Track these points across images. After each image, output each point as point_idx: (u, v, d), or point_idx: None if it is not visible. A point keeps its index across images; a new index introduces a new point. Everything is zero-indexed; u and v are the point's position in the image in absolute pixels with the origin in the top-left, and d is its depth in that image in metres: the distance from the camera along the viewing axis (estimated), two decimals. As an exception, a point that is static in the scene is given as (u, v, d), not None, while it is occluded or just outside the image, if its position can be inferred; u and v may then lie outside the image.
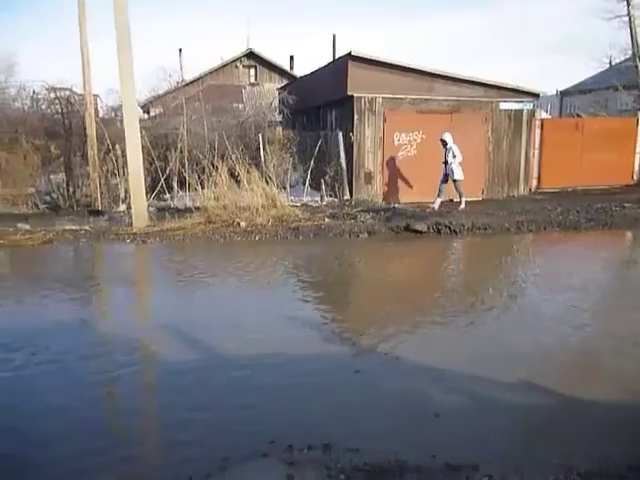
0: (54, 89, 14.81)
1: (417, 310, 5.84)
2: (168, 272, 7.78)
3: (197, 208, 10.98)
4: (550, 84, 54.83)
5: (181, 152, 13.34)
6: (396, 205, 11.91)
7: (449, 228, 9.92)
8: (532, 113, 14.56)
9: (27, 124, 13.79)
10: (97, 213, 12.04)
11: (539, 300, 6.18)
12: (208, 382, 4.10)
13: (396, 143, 13.39)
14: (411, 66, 13.18)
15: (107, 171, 13.23)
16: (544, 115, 16.55)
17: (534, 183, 15.14)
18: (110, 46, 10.02)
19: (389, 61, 13.07)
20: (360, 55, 12.81)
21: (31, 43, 55.67)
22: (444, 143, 12.15)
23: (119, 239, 9.48)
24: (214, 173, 11.40)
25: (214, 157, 12.55)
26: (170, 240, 9.38)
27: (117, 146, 13.05)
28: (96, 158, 12.75)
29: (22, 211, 12.07)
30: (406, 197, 13.07)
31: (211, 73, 27.34)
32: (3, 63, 24.29)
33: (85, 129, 12.89)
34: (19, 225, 10.26)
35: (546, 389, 3.94)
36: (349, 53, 12.85)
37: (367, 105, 13.12)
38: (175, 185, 13.56)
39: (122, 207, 12.37)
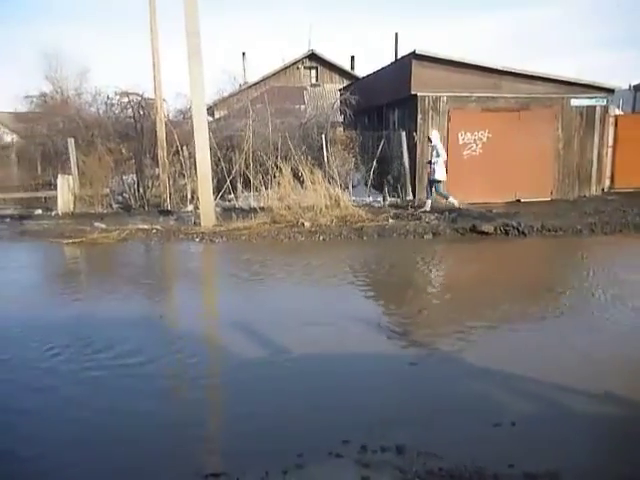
0: (126, 94, 15.50)
1: (485, 312, 5.72)
2: (236, 270, 7.95)
3: (262, 208, 11.18)
4: (623, 78, 52.18)
5: (245, 153, 13.63)
6: (461, 206, 11.68)
7: (517, 229, 9.65)
8: (605, 109, 13.91)
9: (102, 128, 14.50)
10: (166, 213, 12.49)
11: (615, 306, 5.90)
12: (278, 380, 4.18)
13: (461, 142, 13.14)
14: (477, 63, 12.91)
15: (175, 172, 13.70)
16: (616, 111, 15.76)
17: (607, 183, 14.46)
18: (177, 51, 10.42)
19: (454, 59, 12.84)
20: (424, 53, 12.66)
21: (103, 50, 58.37)
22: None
23: (188, 238, 9.80)
24: (277, 174, 11.59)
25: (277, 158, 12.75)
26: (237, 239, 9.61)
27: (185, 148, 13.49)
28: (165, 160, 13.23)
29: (98, 211, 12.71)
30: (471, 197, 12.78)
31: (273, 75, 27.76)
32: (78, 70, 25.59)
33: (155, 132, 13.41)
34: (96, 224, 10.83)
35: (627, 400, 3.77)
36: (413, 52, 12.71)
37: (431, 104, 12.95)
38: (239, 186, 13.87)
39: (189, 207, 12.77)
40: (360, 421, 3.54)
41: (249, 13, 66.06)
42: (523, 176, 13.08)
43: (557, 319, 5.55)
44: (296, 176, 11.73)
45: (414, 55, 12.69)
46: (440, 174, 11.65)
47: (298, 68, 28.94)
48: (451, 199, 11.79)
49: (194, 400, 3.95)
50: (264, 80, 26.43)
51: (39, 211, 13.13)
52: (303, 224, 10.12)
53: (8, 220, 12.17)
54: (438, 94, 12.90)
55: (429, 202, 11.88)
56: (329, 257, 8.57)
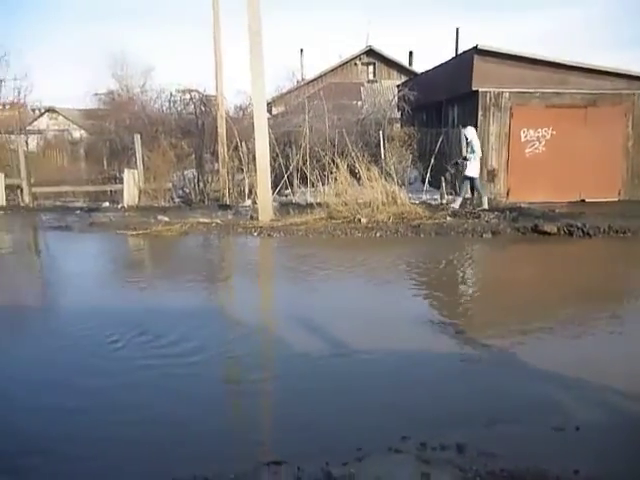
0: (188, 91, 15.95)
1: (547, 315, 5.57)
2: (294, 265, 8.06)
3: (318, 204, 11.27)
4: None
5: (302, 149, 13.75)
6: (522, 205, 11.37)
7: (582, 230, 9.30)
8: (680, 105, 13.17)
9: (165, 124, 15.01)
10: (225, 207, 12.79)
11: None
12: (335, 374, 4.22)
13: (523, 139, 12.79)
14: (542, 58, 12.49)
15: (234, 167, 14.00)
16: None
17: (681, 183, 13.70)
18: (238, 47, 10.63)
19: (518, 53, 12.49)
20: (487, 48, 12.38)
21: (167, 48, 60.18)
22: (465, 137, 11.50)
23: (246, 232, 10.02)
24: (334, 170, 11.64)
25: (334, 154, 12.80)
26: (293, 234, 9.74)
27: (244, 143, 13.76)
28: (225, 155, 13.54)
29: (161, 204, 13.17)
30: (533, 196, 12.42)
31: (330, 72, 27.81)
32: (142, 68, 26.49)
33: (216, 128, 13.75)
34: (159, 217, 11.24)
35: None
36: (475, 46, 12.45)
37: (492, 100, 12.65)
38: (296, 181, 14.03)
39: (248, 202, 13.02)
40: (419, 418, 3.55)
41: (308, 9, 66.32)
42: (588, 175, 12.58)
43: (624, 324, 5.34)
44: (353, 172, 11.74)
45: (476, 50, 12.43)
46: (473, 170, 11.42)
47: (355, 64, 28.86)
48: (484, 199, 11.54)
49: (254, 391, 4.05)
50: (321, 77, 26.54)
51: (106, 204, 13.74)
52: (360, 220, 10.14)
53: (78, 212, 12.81)
54: (500, 90, 12.59)
55: (459, 200, 11.65)
56: (386, 254, 8.55)
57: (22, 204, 13.83)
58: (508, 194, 12.85)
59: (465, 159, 11.53)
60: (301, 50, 31.59)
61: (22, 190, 14.00)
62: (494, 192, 12.74)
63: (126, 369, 4.36)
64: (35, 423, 3.54)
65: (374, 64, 29.41)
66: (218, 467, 2.97)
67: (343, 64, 28.71)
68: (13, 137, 16.02)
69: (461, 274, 7.54)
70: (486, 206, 11.38)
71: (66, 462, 3.10)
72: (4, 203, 13.76)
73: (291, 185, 14.10)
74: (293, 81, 26.13)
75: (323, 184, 12.64)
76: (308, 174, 13.13)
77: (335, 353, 4.60)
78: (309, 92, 20.13)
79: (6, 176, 14.00)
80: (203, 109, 15.10)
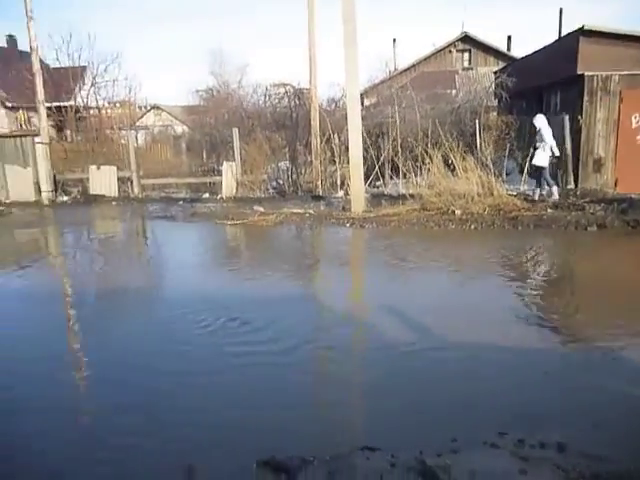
0: (283, 85, 16.34)
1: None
2: (386, 256, 8.07)
3: (410, 195, 11.16)
4: None
5: (394, 140, 13.66)
6: (632, 196, 10.60)
7: (702, 224, 8.54)
8: None
9: (261, 118, 15.50)
10: (318, 198, 13.02)
11: None
12: (429, 368, 4.22)
13: (634, 126, 11.88)
14: (658, 37, 11.50)
15: (326, 159, 14.19)
16: None
17: None
18: (331, 40, 10.74)
19: (629, 33, 11.58)
20: (594, 29, 11.58)
21: (262, 44, 61.81)
22: (533, 125, 11.15)
23: (339, 223, 10.15)
24: (427, 160, 11.47)
25: (427, 144, 12.60)
26: (386, 225, 9.74)
27: (336, 135, 13.90)
28: (318, 147, 13.76)
29: (257, 195, 13.66)
30: (645, 186, 11.52)
31: (423, 60, 27.29)
32: (239, 64, 27.37)
33: (309, 120, 14.00)
34: (255, 207, 11.68)
35: None
36: (581, 27, 11.69)
37: (600, 84, 11.85)
38: (387, 172, 13.98)
39: (340, 193, 13.17)
40: (517, 415, 3.47)
41: (400, -2, 65.29)
42: None
43: None
44: (446, 163, 11.51)
45: (581, 31, 11.67)
46: (541, 160, 10.99)
47: (450, 52, 28.11)
48: (554, 189, 11.08)
49: (344, 379, 4.14)
50: (414, 66, 26.14)
51: (206, 195, 14.46)
52: (454, 212, 9.94)
53: (181, 203, 13.60)
54: (608, 73, 11.75)
55: (555, 189, 11.12)
56: (480, 246, 8.34)
57: (132, 195, 14.89)
58: (616, 184, 12.01)
59: (535, 148, 11.12)
60: (394, 40, 31.27)
61: (132, 182, 15.06)
62: (600, 182, 11.96)
63: (219, 354, 4.62)
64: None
65: (469, 51, 28.47)
66: (313, 450, 3.09)
67: (437, 52, 28.06)
68: (124, 133, 17.24)
69: (562, 270, 7.18)
70: (557, 197, 10.90)
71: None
72: (116, 194, 14.88)
73: (383, 176, 14.07)
74: (386, 71, 25.93)
75: (415, 175, 12.50)
76: (400, 165, 13.04)
77: (429, 347, 4.57)
78: (402, 82, 19.88)
79: (118, 169, 15.11)
80: (297, 102, 15.41)
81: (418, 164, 12.44)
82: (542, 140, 10.98)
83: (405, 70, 25.26)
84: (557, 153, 11.17)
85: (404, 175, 12.81)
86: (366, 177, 13.21)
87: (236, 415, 3.57)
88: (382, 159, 13.56)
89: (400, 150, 13.35)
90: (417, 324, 5.03)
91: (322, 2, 15.27)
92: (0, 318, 5.95)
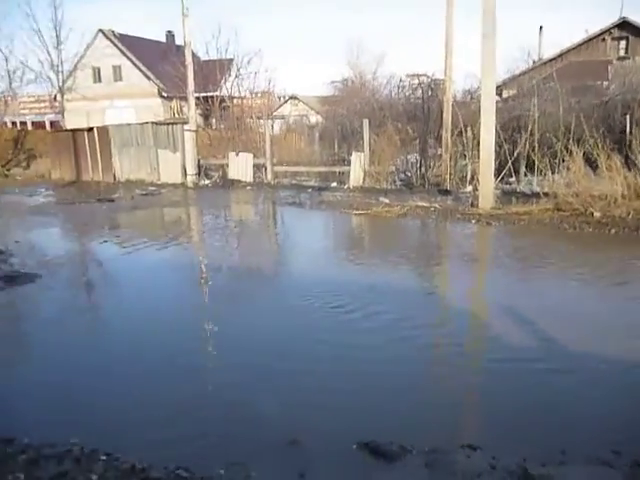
0: (416, 75, 16.18)
1: None
2: (510, 256, 7.76)
3: (545, 194, 10.54)
4: None
5: (531, 135, 12.94)
6: None
7: None
8: None
9: (393, 109, 15.50)
10: (445, 192, 12.77)
11: None
12: (543, 377, 4.04)
13: None
14: None
15: (457, 153, 13.84)
16: None
17: None
18: (468, 31, 10.43)
19: None
20: None
21: (399, 35, 61.32)
22: None
23: (464, 219, 9.91)
24: (567, 158, 10.74)
25: (568, 140, 11.78)
26: (514, 224, 9.33)
27: (469, 129, 13.49)
28: (449, 140, 13.47)
29: (383, 186, 13.74)
30: None
31: (573, 49, 25.31)
32: (375, 55, 27.45)
33: (441, 113, 13.73)
34: (380, 198, 11.79)
35: None
36: None
37: None
38: (522, 169, 13.29)
39: (468, 188, 12.80)
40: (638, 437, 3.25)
41: (552, -19, 60.86)
42: None
43: None
44: (589, 161, 10.69)
45: None
46: None
47: (604, 40, 25.72)
48: None
49: (458, 375, 4.12)
50: (561, 55, 24.36)
51: (334, 184, 14.84)
52: (592, 214, 9.23)
53: (310, 191, 14.11)
54: None
55: None
56: (620, 253, 7.67)
57: (265, 181, 15.72)
58: None
59: None
60: (540, 27, 29.40)
61: (266, 169, 15.89)
62: None
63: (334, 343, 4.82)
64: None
65: (627, 38, 25.82)
66: (414, 440, 3.16)
67: (589, 40, 25.83)
68: (261, 122, 18.19)
69: None
70: None
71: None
72: (251, 180, 15.81)
73: (517, 173, 13.41)
74: (528, 62, 24.51)
75: (553, 173, 11.76)
76: (536, 162, 12.33)
77: (547, 357, 4.38)
78: (545, 73, 18.69)
79: (254, 156, 16.03)
80: (430, 94, 15.17)
81: (556, 161, 11.67)
82: None
83: (550, 60, 23.59)
84: None
85: (540, 172, 12.08)
86: (498, 173, 12.69)
87: (347, 398, 3.74)
88: (515, 154, 12.90)
89: (537, 146, 12.60)
90: (540, 333, 4.81)
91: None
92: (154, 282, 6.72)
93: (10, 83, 21.67)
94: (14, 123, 30.36)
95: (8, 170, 20.89)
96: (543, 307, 5.43)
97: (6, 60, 21.26)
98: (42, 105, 33.91)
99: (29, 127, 29.83)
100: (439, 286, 6.72)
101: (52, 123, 32.66)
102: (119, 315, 5.68)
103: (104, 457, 3.01)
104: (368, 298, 5.77)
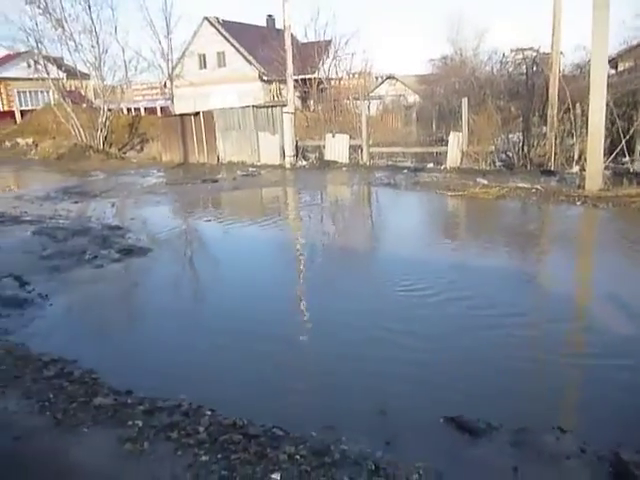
0: (521, 50, 15.40)
1: None
2: (620, 240, 7.29)
3: (662, 175, 9.76)
4: None
5: (650, 110, 11.93)
6: None
7: None
8: None
9: (494, 86, 14.88)
10: (549, 173, 12.17)
11: None
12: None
13: None
14: None
15: (564, 131, 13.07)
16: None
17: None
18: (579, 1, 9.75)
19: None
20: None
21: (502, 8, 58.17)
22: None
23: (568, 201, 9.42)
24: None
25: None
26: (624, 207, 8.74)
27: (577, 105, 12.68)
28: (555, 118, 12.76)
29: (481, 167, 13.33)
30: None
31: None
32: (477, 30, 26.39)
33: (547, 89, 13.01)
34: (478, 179, 11.48)
35: None
36: None
37: None
38: (639, 147, 12.32)
39: (575, 168, 12.10)
40: None
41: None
42: None
43: None
44: None
45: None
46: None
47: None
48: None
49: (560, 363, 4.05)
50: (691, 20, 21.93)
51: (430, 164, 14.60)
52: None
53: (405, 171, 14.01)
54: None
55: None
56: None
57: (360, 162, 15.79)
58: None
59: None
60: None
61: (362, 150, 15.95)
62: None
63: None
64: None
65: None
66: (509, 419, 3.19)
67: None
68: (358, 103, 18.21)
69: None
70: None
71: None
72: (347, 161, 15.95)
73: (632, 152, 12.44)
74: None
75: (673, 152, 10.81)
76: (654, 140, 11.39)
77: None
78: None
79: (350, 137, 16.13)
80: (535, 69, 14.39)
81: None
82: None
83: (677, 27, 21.39)
84: None
85: (656, 151, 11.16)
86: (610, 152, 11.86)
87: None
88: (631, 131, 11.96)
89: (656, 122, 11.62)
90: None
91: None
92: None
93: (126, 72, 23.20)
94: (129, 109, 32.59)
95: (124, 153, 22.58)
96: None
97: (123, 51, 22.73)
98: (153, 92, 36.06)
99: (142, 113, 31.92)
100: (537, 272, 6.49)
101: (162, 109, 34.73)
102: (217, 287, 6.14)
103: (209, 412, 3.34)
104: (460, 281, 5.76)
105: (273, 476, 2.71)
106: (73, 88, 25.64)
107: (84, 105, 24.30)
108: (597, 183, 9.85)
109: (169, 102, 29.04)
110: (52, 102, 26.18)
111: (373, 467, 2.77)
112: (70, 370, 3.99)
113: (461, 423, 3.17)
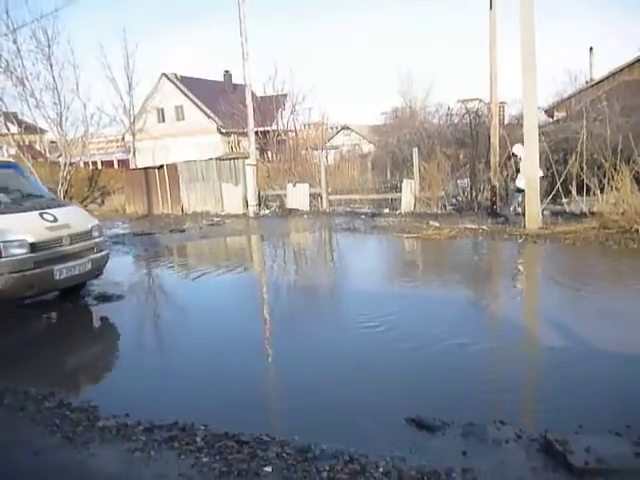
0: (465, 101, 16.79)
1: None
2: (554, 272, 8.20)
3: (592, 213, 10.90)
4: None
5: (580, 156, 13.23)
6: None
7: None
8: None
9: (441, 136, 16.16)
10: (494, 215, 13.24)
11: None
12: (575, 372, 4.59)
13: None
14: None
15: (507, 176, 14.27)
16: None
17: None
18: (514, 59, 11.00)
19: None
20: None
21: (446, 65, 62.12)
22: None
23: (511, 239, 10.41)
24: (617, 177, 11.03)
25: (617, 160, 12.03)
26: (559, 242, 9.74)
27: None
28: (497, 165, 13.96)
29: (433, 211, 14.35)
30: None
31: (625, 68, 25.14)
32: (425, 85, 28.20)
33: (489, 137, 14.27)
34: (430, 222, 12.42)
35: None
36: None
37: None
38: (573, 190, 13.56)
39: (519, 209, 13.20)
40: None
41: (598, 4, 60.28)
42: None
43: None
44: (639, 181, 10.95)
45: None
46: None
47: (657, 57, 25.40)
48: (512, 209, 12.42)
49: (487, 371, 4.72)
50: (612, 75, 24.23)
51: (386, 210, 15.56)
52: (637, 230, 9.51)
53: (363, 217, 14.90)
54: None
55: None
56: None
57: (321, 209, 16.63)
58: None
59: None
60: (590, 48, 29.34)
61: (321, 197, 16.81)
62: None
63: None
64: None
65: (682, 54, 25.39)
66: (456, 416, 3.79)
67: (641, 58, 25.57)
68: (316, 153, 19.23)
69: None
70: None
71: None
72: (308, 208, 16.76)
73: (568, 194, 13.67)
74: (575, 85, 24.58)
75: (602, 192, 12.02)
76: (585, 182, 12.61)
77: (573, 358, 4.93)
78: (596, 94, 18.85)
79: (310, 186, 17.00)
80: (477, 120, 15.75)
81: (604, 181, 11.94)
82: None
83: (601, 81, 23.53)
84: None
85: (588, 192, 12.35)
86: (549, 194, 13.04)
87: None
88: (563, 175, 13.21)
89: (585, 166, 12.89)
90: (585, 340, 5.34)
91: (505, 15, 15.44)
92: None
93: (88, 127, 23.71)
94: (86, 163, 32.89)
95: (85, 207, 22.80)
96: (584, 324, 5.93)
97: (85, 107, 23.28)
98: (111, 145, 36.46)
99: (99, 166, 32.23)
100: (483, 298, 7.27)
101: (120, 162, 35.11)
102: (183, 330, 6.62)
103: (202, 427, 3.82)
104: (415, 309, 6.45)
105: (266, 469, 3.22)
106: (27, 143, 25.89)
107: (40, 159, 24.55)
108: (536, 222, 10.90)
109: (127, 155, 29.48)
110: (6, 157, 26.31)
111: (348, 458, 3.31)
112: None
113: (420, 422, 3.76)
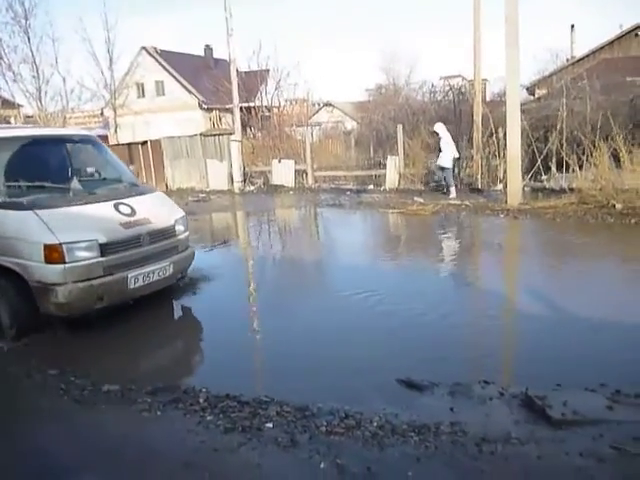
0: (447, 78, 16.91)
1: None
2: (533, 245, 8.58)
3: (571, 189, 11.21)
4: None
5: (560, 133, 13.51)
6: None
7: None
8: None
9: (426, 113, 16.31)
10: (477, 191, 13.52)
11: None
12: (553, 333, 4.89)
13: None
14: None
15: (489, 153, 14.52)
16: None
17: None
18: (498, 35, 11.14)
19: None
20: None
21: (430, 41, 61.89)
22: (436, 134, 13.07)
23: (493, 214, 10.70)
24: (595, 154, 11.32)
25: (596, 137, 12.34)
26: (539, 217, 10.05)
27: (500, 129, 14.16)
28: (480, 141, 14.19)
29: (417, 187, 14.58)
30: None
31: (605, 46, 25.48)
32: (408, 62, 28.24)
33: (472, 115, 14.47)
34: (415, 198, 12.66)
35: None
36: None
37: None
38: (553, 167, 13.87)
39: (499, 186, 13.50)
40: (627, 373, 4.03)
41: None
42: None
43: None
44: (616, 157, 11.26)
45: None
46: (445, 161, 12.87)
47: (637, 35, 25.78)
48: (452, 190, 12.82)
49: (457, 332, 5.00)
50: (593, 53, 24.59)
51: (371, 186, 15.75)
52: (614, 205, 9.84)
53: (349, 193, 15.08)
54: None
55: (453, 190, 12.92)
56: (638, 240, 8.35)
57: (306, 186, 16.75)
58: None
59: (440, 150, 12.93)
60: (572, 26, 29.62)
61: (307, 174, 16.93)
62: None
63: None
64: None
65: (661, 32, 25.80)
66: (443, 378, 4.05)
67: (621, 36, 25.90)
68: (301, 130, 19.25)
69: None
70: (454, 195, 12.66)
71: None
72: (293, 185, 16.88)
73: (548, 170, 13.98)
74: (556, 63, 24.86)
75: (580, 169, 12.34)
76: (564, 159, 12.92)
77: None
78: (576, 72, 19.12)
79: (295, 162, 17.09)
80: (461, 97, 15.92)
81: (584, 158, 12.25)
82: (446, 143, 12.87)
83: (581, 59, 23.87)
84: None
85: (568, 169, 12.66)
86: (529, 171, 13.33)
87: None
88: (544, 152, 13.50)
89: (564, 144, 13.19)
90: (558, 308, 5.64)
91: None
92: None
93: (67, 102, 23.37)
94: (66, 139, 32.37)
95: (68, 183, 22.58)
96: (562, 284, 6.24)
97: (64, 81, 22.92)
98: (89, 120, 35.80)
99: (80, 142, 31.73)
100: (465, 270, 7.55)
101: (99, 137, 34.65)
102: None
103: (204, 389, 4.03)
104: (401, 282, 6.71)
105: (267, 425, 3.45)
106: (4, 118, 25.42)
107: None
108: (517, 198, 11.18)
109: (106, 130, 29.04)
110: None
111: (344, 415, 3.55)
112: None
113: (410, 383, 4.01)
